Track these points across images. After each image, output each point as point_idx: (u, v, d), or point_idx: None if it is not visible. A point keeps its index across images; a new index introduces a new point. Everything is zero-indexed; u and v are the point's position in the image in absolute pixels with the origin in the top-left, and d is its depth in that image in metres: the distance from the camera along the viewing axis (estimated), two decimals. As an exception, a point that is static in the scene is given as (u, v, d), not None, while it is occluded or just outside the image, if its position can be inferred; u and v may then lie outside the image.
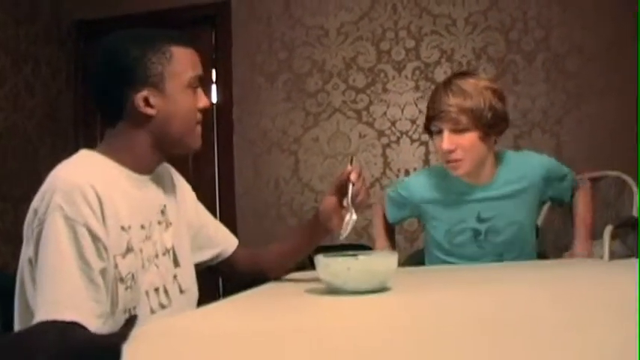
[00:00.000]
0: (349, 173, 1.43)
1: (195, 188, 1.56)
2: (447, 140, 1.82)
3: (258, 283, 1.55)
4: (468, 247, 1.96)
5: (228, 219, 3.68)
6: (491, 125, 1.83)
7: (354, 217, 1.40)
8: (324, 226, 1.50)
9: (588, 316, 0.94)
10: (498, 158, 1.97)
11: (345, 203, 1.43)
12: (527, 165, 1.94)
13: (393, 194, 2.08)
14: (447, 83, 1.86)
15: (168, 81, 1.28)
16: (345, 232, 1.41)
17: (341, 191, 1.46)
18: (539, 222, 2.11)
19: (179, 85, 1.29)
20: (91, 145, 1.36)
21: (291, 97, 3.75)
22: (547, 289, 1.28)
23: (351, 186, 1.41)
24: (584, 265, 1.72)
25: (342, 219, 1.45)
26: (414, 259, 2.55)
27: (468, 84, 1.82)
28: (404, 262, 2.70)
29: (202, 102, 1.34)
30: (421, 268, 1.91)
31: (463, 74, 1.91)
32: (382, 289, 1.31)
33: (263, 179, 3.76)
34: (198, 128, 1.35)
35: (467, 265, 1.91)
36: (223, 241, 1.59)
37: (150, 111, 1.28)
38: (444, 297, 1.24)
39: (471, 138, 1.82)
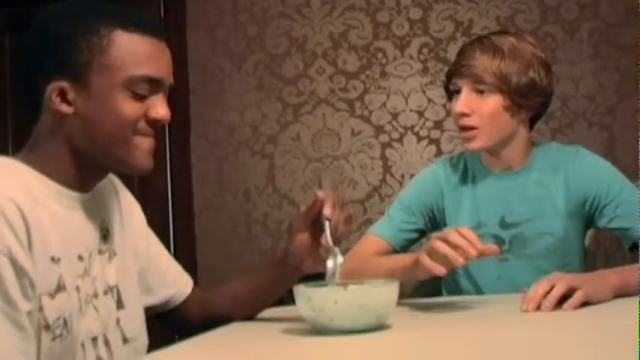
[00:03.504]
0: (321, 205, 1.44)
1: (141, 202, 1.58)
2: (463, 101, 1.87)
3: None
4: (488, 262, 1.94)
5: (185, 241, 3.71)
6: (523, 95, 1.87)
7: (340, 259, 1.41)
8: (294, 268, 1.53)
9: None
10: (536, 145, 2.02)
11: (323, 241, 1.44)
12: (582, 166, 1.95)
13: (394, 207, 2.12)
14: (480, 37, 1.93)
15: (95, 74, 1.26)
16: (331, 280, 1.42)
17: (314, 225, 1.48)
18: (586, 242, 2.14)
19: (111, 83, 1.26)
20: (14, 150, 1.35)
21: (264, 85, 3.78)
22: (576, 328, 1.33)
23: (327, 223, 1.43)
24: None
25: (318, 259, 1.47)
26: (426, 288, 2.59)
27: (505, 41, 1.88)
28: (412, 293, 2.72)
29: (154, 112, 1.30)
30: (432, 300, 1.95)
31: (504, 32, 1.98)
32: (379, 328, 1.32)
33: (229, 190, 3.79)
34: (145, 143, 1.32)
35: (490, 297, 1.95)
36: (178, 281, 1.61)
37: (65, 108, 1.26)
38: (456, 338, 1.28)
39: (493, 104, 1.87)
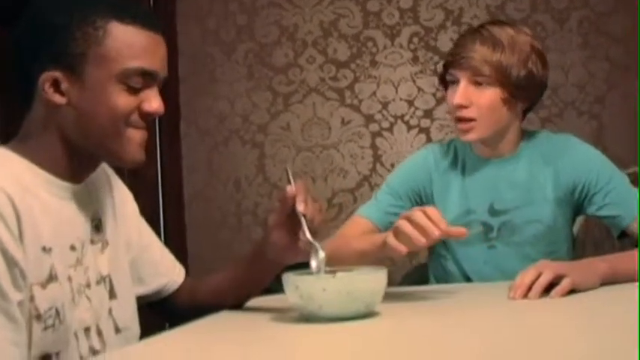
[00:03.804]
0: (293, 200, 1.43)
1: (131, 192, 1.58)
2: (462, 93, 1.89)
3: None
4: (475, 248, 2.02)
5: (175, 231, 3.72)
6: (522, 87, 1.89)
7: (322, 254, 1.41)
8: (275, 261, 1.53)
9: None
10: (527, 134, 2.05)
11: (302, 237, 1.45)
12: (572, 154, 1.97)
13: (382, 190, 2.13)
14: (478, 28, 1.95)
15: (90, 66, 1.26)
16: (318, 272, 1.42)
17: (288, 219, 1.47)
18: (575, 230, 2.16)
19: (106, 76, 1.26)
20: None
21: (254, 74, 3.78)
22: (564, 315, 1.35)
23: (303, 219, 1.42)
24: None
25: (298, 251, 1.48)
26: (415, 277, 2.61)
27: (504, 33, 1.90)
28: (401, 281, 2.75)
29: (147, 105, 1.31)
30: (420, 288, 1.97)
31: (501, 22, 1.99)
32: (368, 315, 1.35)
33: (220, 179, 3.79)
34: (137, 135, 1.32)
35: (479, 285, 1.98)
36: (170, 270, 1.63)
37: (58, 99, 1.27)
38: (444, 325, 1.30)
39: (491, 96, 1.89)
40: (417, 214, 1.54)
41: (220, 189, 3.79)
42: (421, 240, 1.51)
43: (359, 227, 2.02)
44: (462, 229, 1.60)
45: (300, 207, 1.42)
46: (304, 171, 3.69)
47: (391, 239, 1.57)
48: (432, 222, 1.52)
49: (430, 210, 1.55)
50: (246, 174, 3.77)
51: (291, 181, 1.44)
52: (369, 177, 3.68)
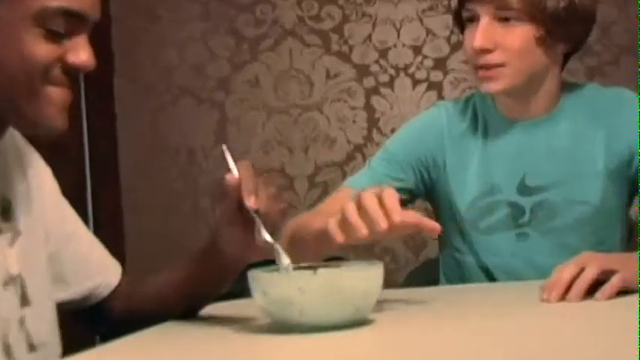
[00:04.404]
0: (238, 189, 1.37)
1: (50, 168, 1.59)
2: (483, 33, 1.87)
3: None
4: (501, 237, 2.01)
5: (108, 218, 3.72)
6: (561, 22, 1.87)
7: (286, 259, 1.34)
8: (233, 259, 1.53)
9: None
10: (569, 87, 2.04)
11: (258, 238, 1.40)
12: (628, 114, 1.96)
13: (378, 156, 2.12)
14: None
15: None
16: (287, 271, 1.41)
17: (241, 212, 1.42)
18: (632, 214, 2.17)
19: (19, 16, 1.24)
20: None
21: (211, 12, 3.78)
22: (614, 323, 1.36)
23: (256, 216, 1.39)
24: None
25: (259, 250, 1.46)
26: (421, 275, 2.63)
27: None
28: (404, 281, 2.75)
29: (73, 56, 1.28)
30: (428, 289, 1.97)
31: None
32: (358, 323, 1.33)
33: (167, 150, 3.80)
34: (58, 95, 1.30)
35: (504, 284, 1.98)
36: (102, 269, 1.61)
37: None
38: (458, 337, 1.31)
39: (522, 35, 1.88)
40: (368, 199, 1.50)
41: (168, 163, 3.80)
42: (362, 231, 1.48)
43: (344, 202, 1.99)
44: (433, 224, 1.53)
45: (250, 201, 1.38)
46: (278, 140, 3.71)
47: (332, 224, 1.54)
48: (385, 210, 1.49)
49: (387, 193, 1.51)
50: (203, 144, 3.79)
51: (232, 165, 1.38)
52: (362, 147, 3.71)
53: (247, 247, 1.46)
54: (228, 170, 1.39)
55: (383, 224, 1.46)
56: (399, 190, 2.00)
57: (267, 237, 1.40)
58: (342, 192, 2.05)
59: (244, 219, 1.43)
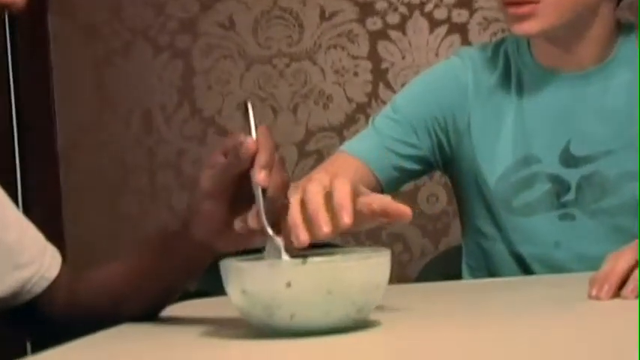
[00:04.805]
0: (250, 158, 1.37)
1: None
2: None
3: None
4: (540, 219, 2.05)
5: (43, 197, 3.74)
6: None
7: (286, 256, 1.39)
8: (203, 246, 1.52)
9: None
10: (625, 30, 2.08)
11: (250, 222, 1.39)
12: None
13: (383, 114, 2.15)
14: None
15: None
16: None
17: (232, 186, 1.43)
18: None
19: None
20: None
21: None
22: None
23: (261, 195, 1.38)
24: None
25: (237, 238, 1.45)
26: (440, 267, 2.64)
27: None
28: (419, 275, 2.76)
29: None
30: (447, 284, 1.99)
31: None
32: (360, 326, 1.36)
33: (116, 111, 3.82)
34: None
35: (543, 277, 2.01)
36: (36, 257, 1.64)
37: None
38: (482, 343, 1.32)
39: None
40: (312, 194, 1.48)
41: (118, 127, 3.80)
42: (300, 237, 1.42)
43: (341, 172, 1.98)
44: (402, 209, 1.50)
45: (260, 175, 1.38)
46: (260, 97, 3.71)
47: (295, 218, 1.50)
48: (340, 207, 1.45)
49: (339, 184, 1.46)
50: (163, 102, 3.80)
51: (253, 127, 1.37)
52: (365, 107, 3.72)
53: (221, 233, 1.47)
54: (247, 132, 1.37)
55: (326, 229, 1.42)
56: (408, 157, 2.00)
57: (266, 224, 1.39)
58: (338, 160, 2.06)
59: (235, 195, 1.44)
